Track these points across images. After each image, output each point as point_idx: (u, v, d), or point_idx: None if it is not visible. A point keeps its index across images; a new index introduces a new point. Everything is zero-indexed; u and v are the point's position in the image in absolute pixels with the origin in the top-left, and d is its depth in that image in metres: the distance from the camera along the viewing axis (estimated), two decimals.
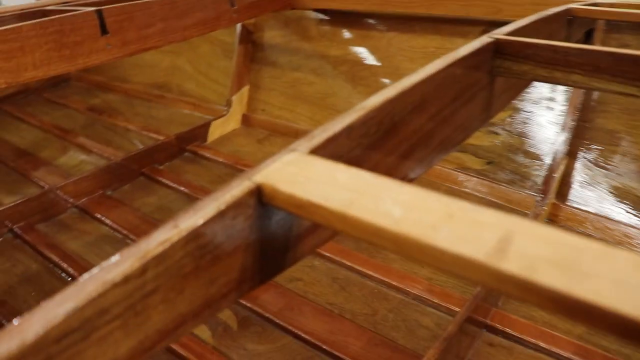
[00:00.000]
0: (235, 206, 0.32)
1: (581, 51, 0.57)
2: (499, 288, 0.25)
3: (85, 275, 0.27)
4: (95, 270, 0.27)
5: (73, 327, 0.26)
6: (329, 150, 0.39)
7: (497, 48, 0.63)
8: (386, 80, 1.75)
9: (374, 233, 0.29)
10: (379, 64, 1.78)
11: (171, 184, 1.71)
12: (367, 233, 0.29)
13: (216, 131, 2.02)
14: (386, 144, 0.46)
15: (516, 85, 0.72)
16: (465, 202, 0.29)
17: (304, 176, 0.33)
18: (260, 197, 0.34)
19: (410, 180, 0.54)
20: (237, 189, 0.33)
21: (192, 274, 0.31)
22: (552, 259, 0.25)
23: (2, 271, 1.34)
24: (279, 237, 0.36)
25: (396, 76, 1.72)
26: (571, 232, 0.25)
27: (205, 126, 1.99)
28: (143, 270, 0.28)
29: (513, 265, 0.25)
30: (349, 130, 0.40)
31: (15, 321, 0.25)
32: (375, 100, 0.44)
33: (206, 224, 0.31)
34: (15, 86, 2.42)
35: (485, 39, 0.62)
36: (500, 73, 0.64)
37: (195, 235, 0.30)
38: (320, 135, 0.38)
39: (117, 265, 0.28)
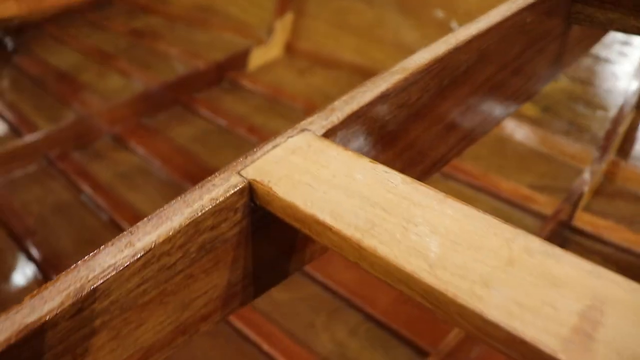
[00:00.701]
0: (217, 212, 0.24)
1: None
2: None
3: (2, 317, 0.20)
4: (14, 311, 0.20)
5: None
6: (352, 127, 0.29)
7: None
8: (439, 13, 1.60)
9: (399, 279, 0.20)
10: None
11: (208, 114, 1.64)
12: (391, 277, 0.20)
13: (257, 59, 1.92)
14: (432, 112, 0.36)
15: (594, 34, 0.60)
16: (533, 237, 0.20)
17: (313, 174, 0.25)
18: (252, 197, 0.25)
19: (468, 141, 0.44)
20: (220, 189, 0.24)
21: (155, 301, 0.24)
22: None
23: (35, 200, 1.32)
24: (276, 244, 0.28)
25: (450, 10, 1.56)
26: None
27: (246, 53, 1.89)
28: (79, 308, 0.20)
29: None
30: (382, 100, 0.31)
31: None
32: (419, 58, 0.34)
33: (173, 238, 0.23)
34: (58, 7, 2.36)
35: None
36: (579, 21, 0.52)
37: (157, 254, 0.22)
38: (342, 108, 0.29)
39: (42, 304, 0.20)
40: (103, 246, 0.22)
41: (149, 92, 1.70)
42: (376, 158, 0.33)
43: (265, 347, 0.90)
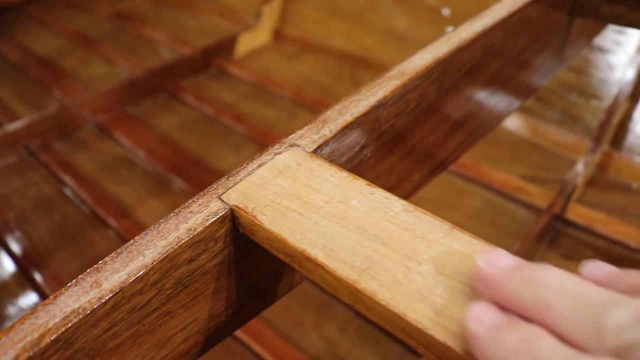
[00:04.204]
0: (195, 244, 0.21)
1: None
2: None
3: None
4: None
5: None
6: (346, 140, 0.27)
7: None
8: (430, 0, 1.56)
9: (401, 328, 0.17)
10: None
11: (194, 102, 1.61)
12: (391, 324, 0.18)
13: (244, 45, 1.87)
14: (432, 117, 0.34)
15: (597, 26, 0.57)
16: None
17: (303, 200, 0.22)
18: (235, 224, 0.23)
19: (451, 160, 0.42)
20: (198, 217, 0.22)
21: (127, 343, 0.21)
22: None
23: (15, 193, 1.29)
24: (262, 270, 0.26)
25: None
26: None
27: (233, 39, 1.85)
28: None
29: None
30: (378, 109, 0.28)
31: None
32: (419, 60, 0.31)
33: (145, 276, 0.20)
34: None
35: None
36: (583, 14, 0.50)
37: (127, 295, 0.20)
38: (335, 120, 0.26)
39: None
40: (66, 286, 0.19)
41: (133, 80, 1.66)
42: (375, 166, 0.30)
43: (255, 346, 0.88)
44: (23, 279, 1.05)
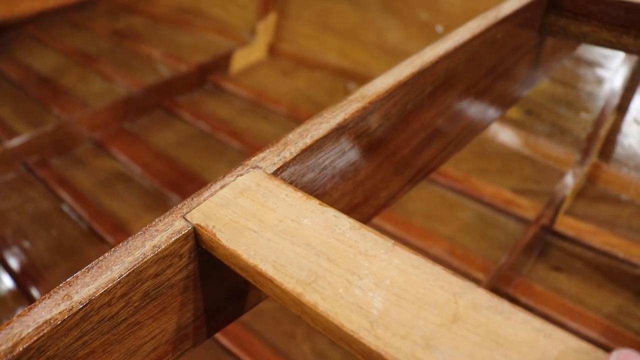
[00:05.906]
0: (160, 260, 0.23)
1: None
2: None
3: None
4: None
5: None
6: (307, 162, 0.29)
7: (553, 1, 0.50)
8: (423, 15, 1.59)
9: (340, 337, 0.19)
10: None
11: (190, 118, 1.63)
12: (332, 334, 0.20)
13: (240, 61, 1.90)
14: (395, 137, 0.36)
15: (569, 44, 0.59)
16: (482, 291, 0.19)
17: (259, 219, 0.24)
18: (198, 241, 0.25)
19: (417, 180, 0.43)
20: (163, 235, 0.23)
21: (97, 352, 0.23)
22: None
23: (13, 208, 1.30)
24: (228, 284, 0.27)
25: (433, 11, 1.55)
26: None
27: (229, 55, 1.88)
28: None
29: None
30: (338, 132, 0.30)
31: None
32: (380, 84, 0.33)
33: (112, 289, 0.22)
34: (34, 10, 2.33)
35: None
36: (553, 33, 0.52)
37: (96, 307, 0.22)
38: (296, 143, 0.28)
39: None
40: (40, 299, 0.21)
41: (130, 96, 1.68)
42: (339, 186, 0.32)
43: (246, 359, 0.89)
44: (20, 294, 1.07)
